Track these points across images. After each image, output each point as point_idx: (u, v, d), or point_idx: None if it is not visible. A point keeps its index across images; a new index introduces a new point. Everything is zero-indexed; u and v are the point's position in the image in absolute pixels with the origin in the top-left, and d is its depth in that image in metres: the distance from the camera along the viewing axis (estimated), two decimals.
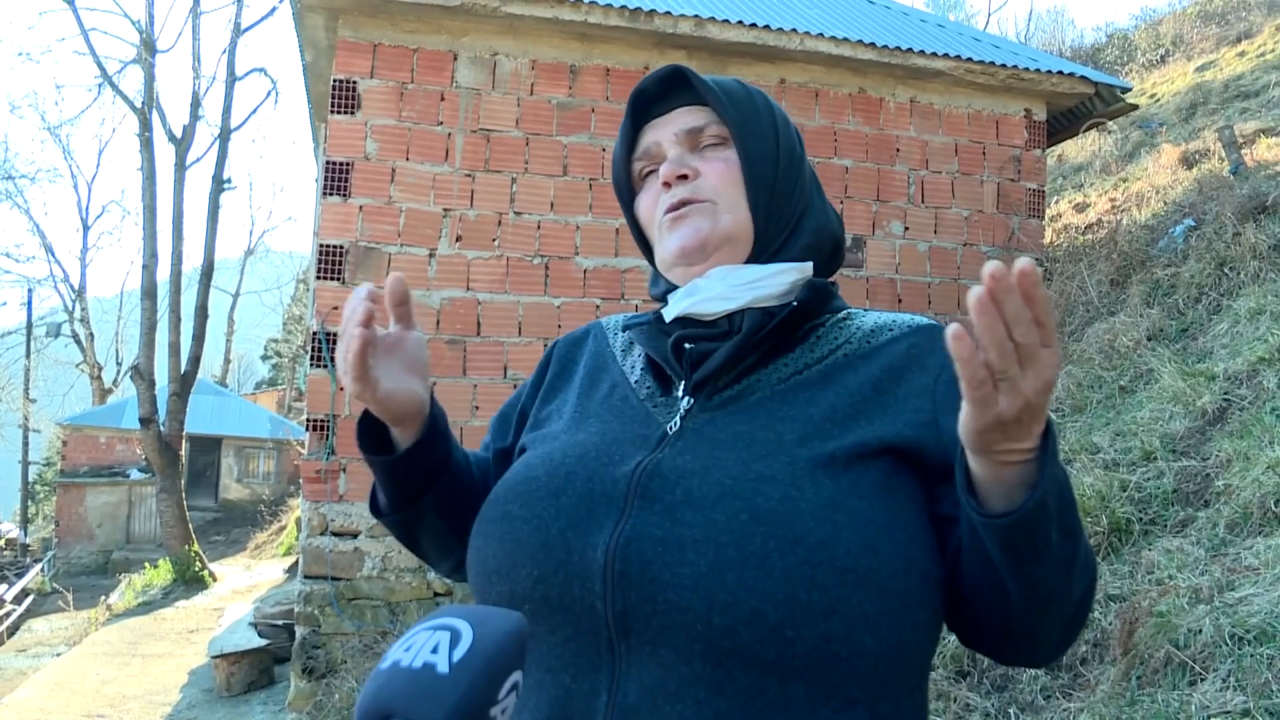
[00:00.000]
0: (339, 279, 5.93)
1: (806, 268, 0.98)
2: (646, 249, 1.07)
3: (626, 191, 1.07)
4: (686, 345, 0.95)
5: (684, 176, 0.98)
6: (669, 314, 0.99)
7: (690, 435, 0.88)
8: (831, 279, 1.04)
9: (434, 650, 0.60)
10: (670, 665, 0.77)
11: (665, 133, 1.01)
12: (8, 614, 15.01)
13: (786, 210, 1.00)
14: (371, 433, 0.96)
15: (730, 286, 0.95)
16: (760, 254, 0.98)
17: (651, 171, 1.03)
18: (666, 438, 0.89)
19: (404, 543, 1.04)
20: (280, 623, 8.78)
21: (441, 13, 6.01)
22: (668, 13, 6.19)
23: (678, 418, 0.91)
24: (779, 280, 0.96)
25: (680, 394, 0.94)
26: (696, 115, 1.01)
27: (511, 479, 0.92)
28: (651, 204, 1.02)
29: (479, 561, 0.89)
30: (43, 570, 19.78)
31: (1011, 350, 0.67)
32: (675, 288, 1.00)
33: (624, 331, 1.08)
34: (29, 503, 27.17)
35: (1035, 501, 0.72)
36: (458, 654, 0.60)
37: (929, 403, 0.89)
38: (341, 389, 5.79)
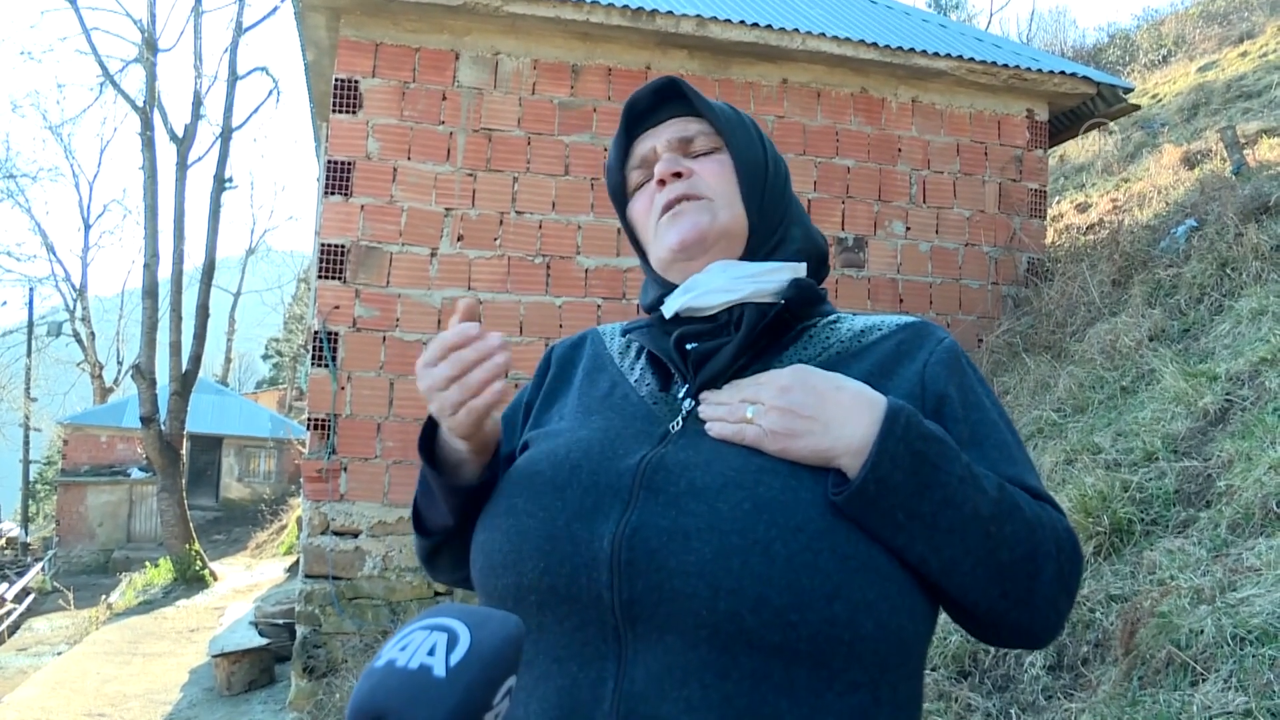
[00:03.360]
0: (340, 278, 5.92)
1: (801, 268, 1.02)
2: (642, 254, 1.10)
3: (621, 199, 1.10)
4: (689, 345, 0.98)
5: (679, 175, 1.02)
6: (669, 309, 1.01)
7: (692, 433, 0.90)
8: (820, 286, 1.07)
9: (431, 652, 0.60)
10: (677, 651, 0.78)
11: (659, 140, 1.05)
12: (8, 613, 15.02)
13: (777, 212, 1.04)
14: (430, 455, 0.96)
15: (731, 279, 0.98)
16: (755, 252, 1.02)
17: (647, 181, 1.06)
18: (670, 434, 0.91)
19: (428, 558, 1.04)
20: (281, 622, 8.78)
21: (443, 12, 6.01)
22: (670, 12, 6.18)
23: (680, 417, 0.93)
24: (777, 277, 0.99)
25: (681, 394, 0.96)
26: (688, 124, 1.05)
27: (515, 474, 0.93)
28: (647, 205, 1.05)
29: (484, 555, 0.90)
30: (43, 569, 19.78)
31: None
32: (666, 295, 1.03)
33: (623, 336, 1.10)
34: (30, 502, 27.18)
35: (863, 479, 0.81)
36: (455, 657, 0.59)
37: (919, 387, 0.94)
38: (342, 389, 5.78)
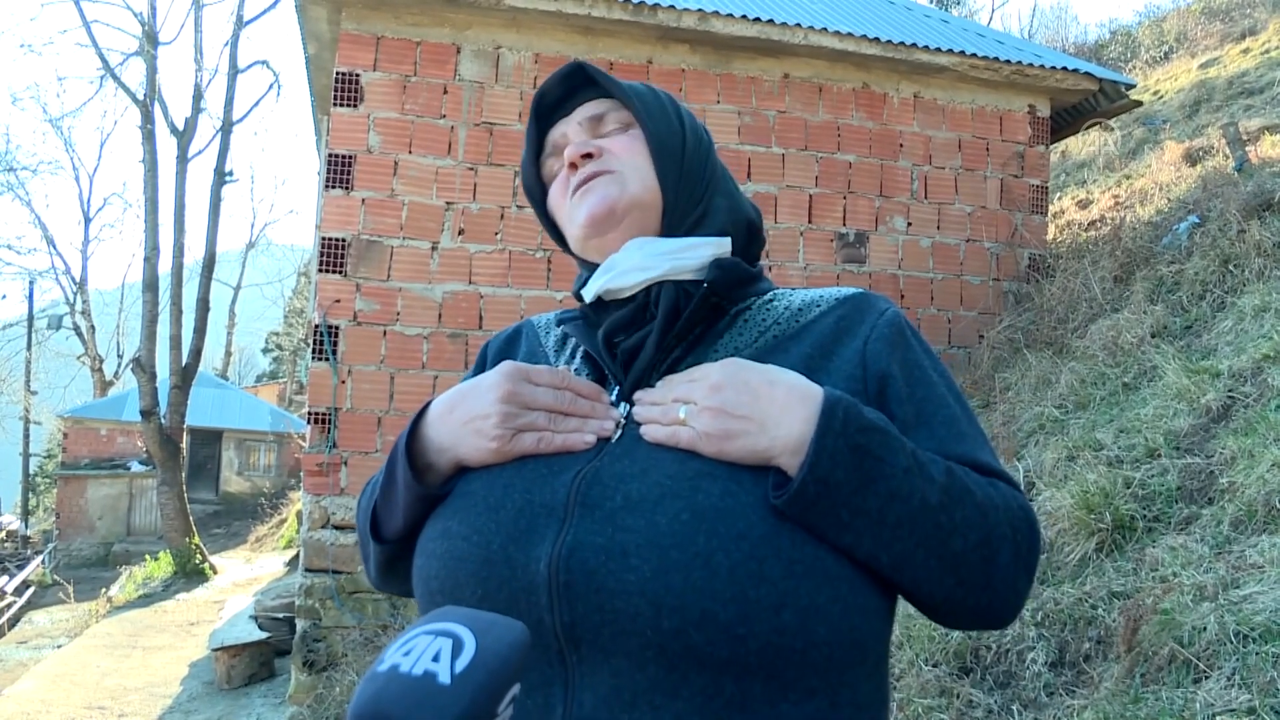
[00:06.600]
0: (341, 272, 5.91)
1: (724, 243, 0.97)
2: (565, 246, 1.06)
3: (538, 193, 1.06)
4: (616, 340, 0.94)
5: (589, 155, 0.98)
6: (589, 293, 0.97)
7: (630, 439, 0.86)
8: (755, 264, 1.03)
9: (435, 658, 0.58)
10: (624, 673, 0.76)
11: (570, 125, 1.02)
12: (8, 606, 15.02)
13: (696, 187, 1.00)
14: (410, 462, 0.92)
15: (646, 256, 0.93)
16: (674, 228, 0.97)
17: (562, 169, 1.03)
18: (606, 444, 0.87)
19: (385, 567, 0.98)
20: (281, 616, 8.79)
21: (445, 5, 5.99)
22: (671, 6, 6.16)
23: (617, 424, 0.89)
24: (696, 254, 0.95)
25: (615, 398, 0.92)
26: (599, 105, 1.02)
27: (448, 495, 0.89)
28: (561, 191, 1.01)
29: (422, 580, 0.87)
30: (43, 562, 19.78)
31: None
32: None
33: (558, 327, 1.06)
34: (30, 495, 27.20)
35: (802, 479, 0.77)
36: (460, 665, 0.58)
37: (859, 369, 0.90)
38: (343, 383, 5.77)
